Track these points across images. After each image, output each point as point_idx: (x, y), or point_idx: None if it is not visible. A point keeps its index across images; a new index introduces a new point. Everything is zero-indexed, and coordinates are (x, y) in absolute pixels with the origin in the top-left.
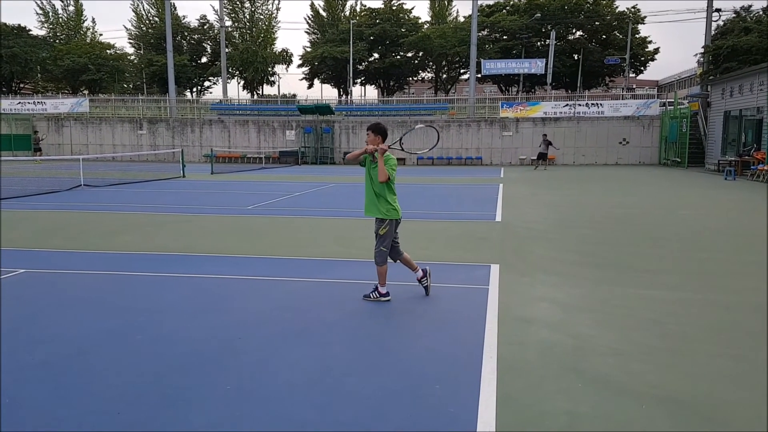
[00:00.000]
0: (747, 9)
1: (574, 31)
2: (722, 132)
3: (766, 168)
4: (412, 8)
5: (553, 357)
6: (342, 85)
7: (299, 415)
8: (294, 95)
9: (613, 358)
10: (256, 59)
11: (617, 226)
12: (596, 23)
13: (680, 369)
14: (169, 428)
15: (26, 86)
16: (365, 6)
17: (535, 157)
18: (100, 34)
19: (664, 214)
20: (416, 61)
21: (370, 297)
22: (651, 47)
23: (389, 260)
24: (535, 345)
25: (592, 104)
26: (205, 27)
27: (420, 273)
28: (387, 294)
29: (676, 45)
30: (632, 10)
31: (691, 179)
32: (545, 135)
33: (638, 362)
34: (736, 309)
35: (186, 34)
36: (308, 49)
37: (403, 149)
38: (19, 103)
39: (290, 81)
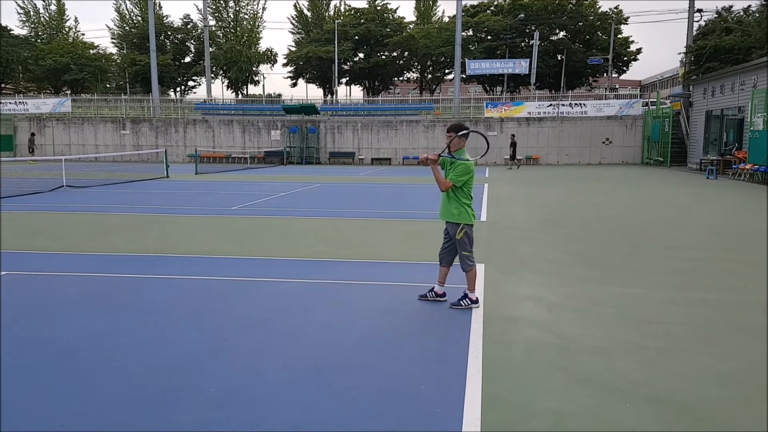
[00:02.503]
0: (728, 9)
1: (557, 31)
2: (704, 131)
3: (747, 167)
4: (397, 8)
5: (539, 356)
6: (327, 84)
7: (287, 415)
8: (279, 95)
9: (599, 357)
10: (240, 59)
11: (602, 225)
12: (579, 24)
13: (667, 368)
14: (155, 430)
15: (7, 86)
16: (349, 6)
17: (510, 158)
18: (83, 34)
19: (648, 213)
20: (401, 61)
21: (461, 305)
22: (633, 47)
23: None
24: (521, 344)
25: (576, 104)
26: (189, 26)
27: (441, 290)
28: (476, 301)
29: (658, 45)
30: (615, 10)
31: (673, 178)
32: (513, 135)
33: (625, 361)
34: (722, 307)
35: (169, 33)
36: (293, 49)
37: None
38: (0, 103)
39: (275, 81)
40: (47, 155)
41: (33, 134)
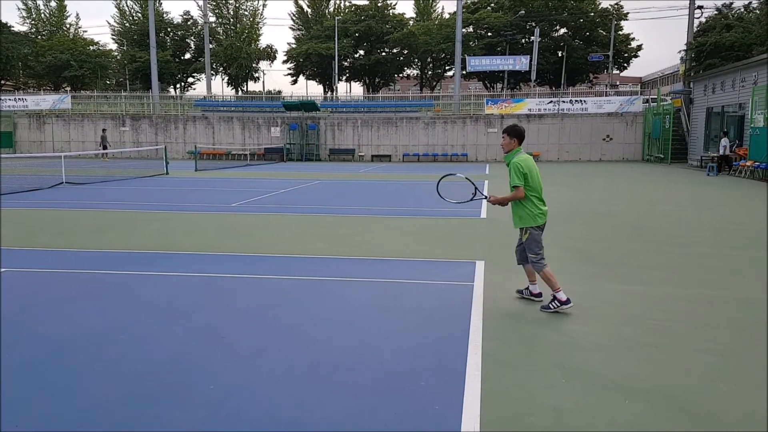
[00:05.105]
0: (728, 6)
1: (558, 28)
2: (704, 128)
3: (747, 164)
4: (395, 3)
5: (538, 352)
6: (327, 81)
7: (285, 412)
8: (279, 92)
9: (599, 354)
10: (240, 55)
11: (602, 222)
12: (580, 20)
13: (666, 364)
14: (152, 427)
15: (7, 83)
16: (350, 3)
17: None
18: (84, 31)
19: (648, 210)
20: (401, 58)
21: (550, 308)
22: (634, 44)
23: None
24: (520, 341)
25: (576, 101)
26: (189, 23)
27: (536, 290)
28: (568, 301)
29: (659, 42)
30: (615, 7)
31: (674, 175)
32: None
33: (624, 357)
34: (721, 304)
35: (169, 30)
36: (293, 46)
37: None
38: (0, 99)
39: (275, 77)
40: (46, 152)
41: (104, 130)
